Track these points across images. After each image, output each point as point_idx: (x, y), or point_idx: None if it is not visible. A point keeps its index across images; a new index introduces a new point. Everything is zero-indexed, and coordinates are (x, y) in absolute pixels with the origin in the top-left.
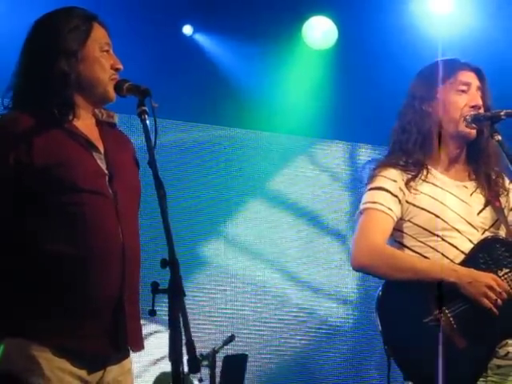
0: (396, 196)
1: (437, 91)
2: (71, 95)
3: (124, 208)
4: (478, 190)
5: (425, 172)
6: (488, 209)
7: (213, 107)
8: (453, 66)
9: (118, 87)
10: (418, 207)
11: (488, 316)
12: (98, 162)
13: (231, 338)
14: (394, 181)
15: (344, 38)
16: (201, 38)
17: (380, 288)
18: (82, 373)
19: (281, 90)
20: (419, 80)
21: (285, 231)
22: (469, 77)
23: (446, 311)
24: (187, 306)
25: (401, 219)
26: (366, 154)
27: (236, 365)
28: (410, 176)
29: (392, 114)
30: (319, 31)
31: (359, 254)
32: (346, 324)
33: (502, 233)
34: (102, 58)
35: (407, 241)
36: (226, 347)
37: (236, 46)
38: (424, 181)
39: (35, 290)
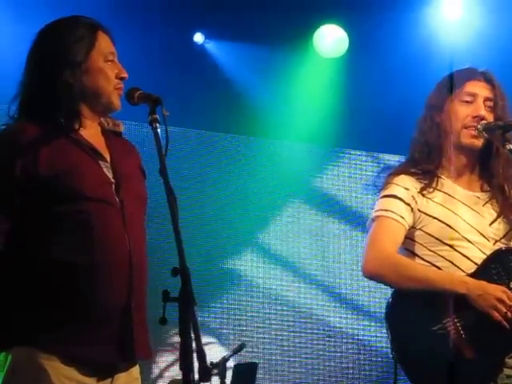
0: (408, 204)
1: (445, 102)
2: (76, 105)
3: (130, 216)
4: (491, 201)
5: (437, 181)
6: (500, 220)
7: (223, 115)
8: (463, 76)
9: (129, 95)
10: (429, 216)
11: (498, 328)
12: (105, 170)
13: (241, 347)
14: (407, 189)
15: (355, 46)
16: (212, 46)
17: (390, 296)
18: (91, 381)
19: (292, 99)
20: (434, 90)
21: (301, 237)
22: (476, 87)
23: (456, 320)
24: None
25: (412, 227)
26: (375, 162)
27: (246, 373)
28: (422, 184)
29: (402, 122)
30: (330, 40)
31: (370, 263)
32: (364, 334)
33: None
34: (107, 68)
35: (418, 249)
36: (236, 356)
37: (247, 54)
38: (436, 189)
39: (42, 298)
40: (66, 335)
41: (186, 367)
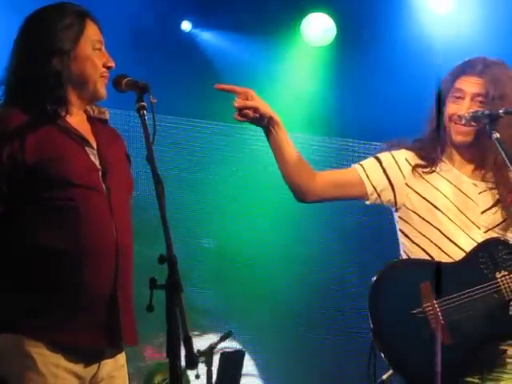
0: (384, 169)
1: (445, 96)
2: (63, 92)
3: (117, 203)
4: (491, 191)
5: (437, 164)
6: (496, 209)
7: (209, 103)
8: (456, 71)
9: (116, 82)
10: (418, 194)
11: (479, 316)
12: (91, 157)
13: (228, 334)
14: (396, 160)
15: (343, 34)
16: (199, 34)
17: (374, 276)
18: (77, 368)
19: (278, 87)
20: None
21: (280, 225)
22: (464, 83)
23: (436, 305)
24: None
25: (404, 207)
26: (361, 150)
27: (233, 361)
28: (420, 162)
29: (388, 111)
30: (318, 28)
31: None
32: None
33: (511, 234)
34: (94, 56)
35: (409, 231)
36: (222, 343)
37: (234, 41)
38: (435, 172)
39: (28, 284)
40: (52, 322)
41: (173, 354)
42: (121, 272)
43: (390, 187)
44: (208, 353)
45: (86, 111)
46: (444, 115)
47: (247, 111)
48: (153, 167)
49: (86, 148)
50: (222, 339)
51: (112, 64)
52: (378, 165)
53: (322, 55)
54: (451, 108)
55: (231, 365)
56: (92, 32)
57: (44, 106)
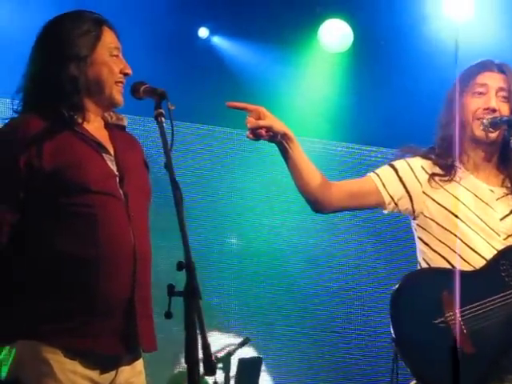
0: (400, 178)
1: (461, 95)
2: (81, 99)
3: (135, 209)
4: (507, 196)
5: (455, 172)
6: None
7: (228, 110)
8: (475, 68)
9: (134, 89)
10: (436, 202)
11: (502, 324)
12: (109, 163)
13: (246, 341)
14: (412, 168)
15: (360, 41)
16: (216, 41)
17: (396, 285)
18: (94, 374)
19: (295, 93)
20: (453, 84)
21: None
22: (487, 78)
23: (458, 314)
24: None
25: (422, 215)
26: (378, 156)
27: (250, 367)
28: (438, 171)
29: (406, 117)
30: (335, 34)
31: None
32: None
33: None
34: (111, 62)
35: (428, 239)
36: (240, 350)
37: (251, 48)
38: (453, 180)
39: (45, 291)
40: (69, 328)
41: (191, 361)
42: (138, 277)
43: (407, 196)
44: (226, 359)
45: (103, 118)
46: (461, 114)
47: (260, 131)
48: (171, 173)
49: (104, 154)
50: (240, 346)
51: (129, 71)
52: (393, 173)
53: (339, 61)
54: (474, 103)
55: (249, 371)
56: (109, 39)
57: (61, 113)
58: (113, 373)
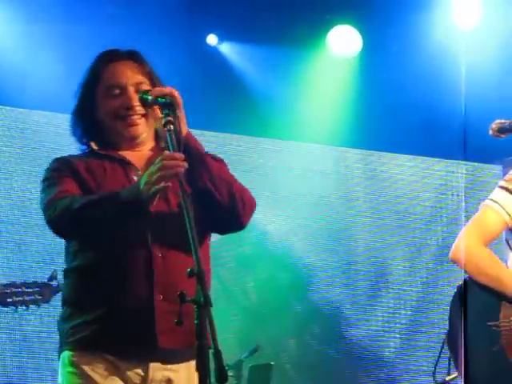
0: None
1: None
2: (98, 132)
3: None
4: None
5: None
6: None
7: (237, 117)
8: None
9: (141, 98)
10: None
11: None
12: (134, 178)
13: (256, 349)
14: None
15: (368, 46)
16: (225, 48)
17: (462, 280)
18: (124, 375)
19: (305, 99)
20: None
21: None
22: None
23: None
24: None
25: None
26: (386, 161)
27: (261, 374)
28: None
29: (414, 124)
30: (343, 40)
31: (456, 251)
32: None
33: None
34: (106, 102)
35: None
36: (251, 357)
37: (260, 55)
38: None
39: (73, 303)
40: (91, 336)
41: (203, 368)
42: (159, 277)
43: None
44: (237, 366)
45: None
46: None
47: None
48: (180, 181)
49: (132, 173)
50: (251, 353)
51: (131, 103)
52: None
53: (348, 67)
54: None
55: (260, 378)
56: (108, 75)
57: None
58: (142, 370)
